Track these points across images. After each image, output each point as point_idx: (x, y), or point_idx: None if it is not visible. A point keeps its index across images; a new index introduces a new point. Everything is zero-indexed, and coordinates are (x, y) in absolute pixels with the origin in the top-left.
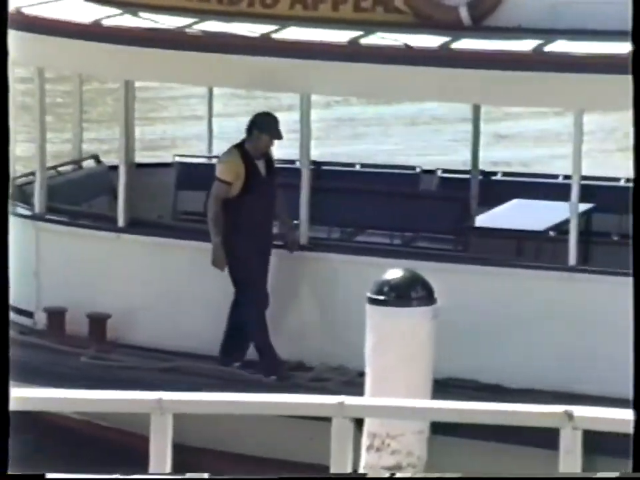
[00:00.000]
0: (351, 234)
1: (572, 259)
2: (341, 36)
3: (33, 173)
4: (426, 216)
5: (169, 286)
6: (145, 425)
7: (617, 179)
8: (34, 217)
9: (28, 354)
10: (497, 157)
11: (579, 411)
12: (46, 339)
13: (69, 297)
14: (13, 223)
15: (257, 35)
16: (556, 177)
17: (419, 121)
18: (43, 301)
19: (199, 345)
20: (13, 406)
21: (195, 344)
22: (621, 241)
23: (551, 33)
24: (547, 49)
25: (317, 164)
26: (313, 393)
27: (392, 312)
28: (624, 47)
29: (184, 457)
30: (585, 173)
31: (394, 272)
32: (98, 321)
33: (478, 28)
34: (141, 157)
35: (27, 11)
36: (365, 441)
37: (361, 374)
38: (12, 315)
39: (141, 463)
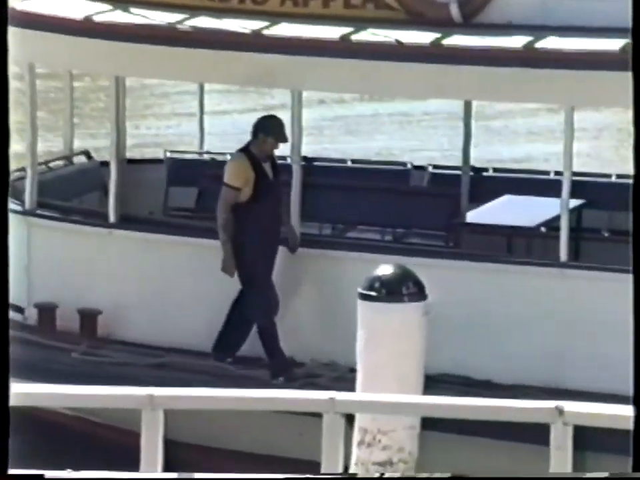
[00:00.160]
0: (342, 230)
1: (563, 255)
2: (331, 32)
3: (23, 169)
4: (417, 212)
5: (160, 282)
6: (136, 421)
7: (608, 175)
8: (25, 213)
9: (18, 350)
10: (492, 154)
11: (570, 406)
12: (37, 334)
13: (60, 293)
14: None
15: (247, 31)
16: (547, 173)
17: (413, 118)
18: (34, 297)
19: (190, 341)
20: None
21: (186, 340)
22: (611, 237)
23: (541, 30)
24: (538, 45)
25: (308, 160)
26: (304, 388)
27: (383, 308)
28: (614, 44)
29: (175, 453)
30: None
31: (385, 268)
32: (89, 317)
33: (469, 24)
34: (139, 155)
35: (17, 6)
36: (356, 437)
37: (352, 370)
38: None
39: (132, 459)
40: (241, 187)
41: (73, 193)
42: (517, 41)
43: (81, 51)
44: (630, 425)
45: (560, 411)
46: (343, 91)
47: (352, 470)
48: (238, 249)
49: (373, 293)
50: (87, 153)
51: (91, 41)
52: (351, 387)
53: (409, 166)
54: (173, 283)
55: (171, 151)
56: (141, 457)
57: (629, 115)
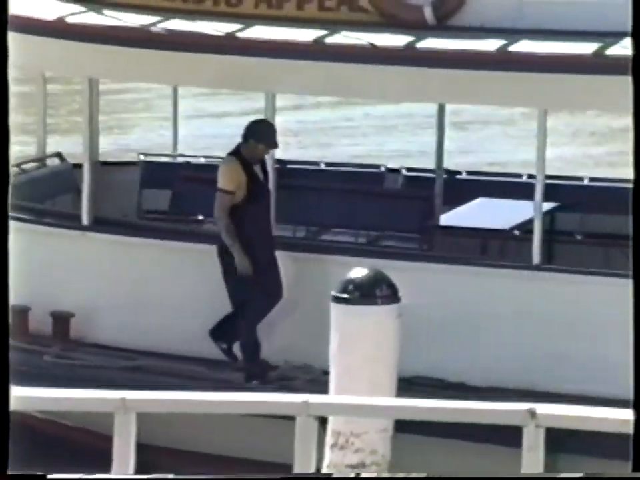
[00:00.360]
0: (316, 233)
1: (536, 258)
2: (305, 35)
3: None
4: (391, 215)
5: (134, 285)
6: (108, 424)
7: (581, 179)
8: None
9: None
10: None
11: (542, 408)
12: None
13: (33, 296)
14: None
15: (221, 33)
16: (520, 175)
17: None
18: None
19: (164, 344)
20: None
21: (159, 343)
22: (584, 240)
23: (515, 33)
24: (511, 48)
25: (281, 162)
26: (278, 391)
27: (356, 310)
28: (588, 47)
29: (148, 457)
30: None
31: (359, 271)
32: (62, 320)
33: (442, 27)
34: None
35: None
36: (329, 440)
37: (326, 372)
38: None
39: (105, 463)
40: (234, 190)
41: (46, 195)
42: (490, 44)
43: (53, 53)
44: (600, 427)
45: (532, 414)
46: (317, 94)
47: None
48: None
49: (346, 296)
50: (59, 155)
51: (64, 42)
52: (325, 390)
53: (382, 168)
54: (146, 286)
55: (145, 154)
56: (113, 460)
57: (603, 118)
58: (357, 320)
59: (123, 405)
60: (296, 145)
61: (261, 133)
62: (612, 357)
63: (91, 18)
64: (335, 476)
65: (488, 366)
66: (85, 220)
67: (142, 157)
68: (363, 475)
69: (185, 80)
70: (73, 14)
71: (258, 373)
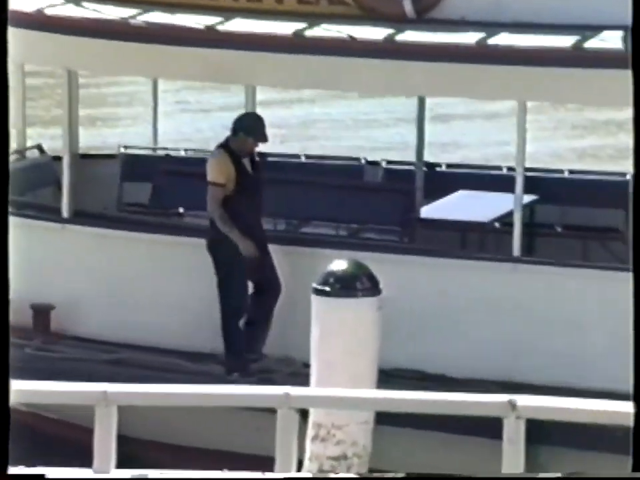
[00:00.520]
0: (297, 225)
1: (516, 250)
2: (285, 28)
3: None
4: (371, 207)
5: (114, 277)
6: (89, 417)
7: (561, 171)
8: None
9: None
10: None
11: (522, 400)
12: None
13: (13, 288)
14: None
15: (201, 26)
16: (500, 168)
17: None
18: None
19: (145, 337)
20: None
21: (140, 335)
22: (564, 232)
23: (494, 26)
24: (491, 41)
25: (261, 155)
26: (259, 384)
27: (337, 303)
28: (567, 40)
29: (129, 450)
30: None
31: (339, 263)
32: (42, 312)
33: (422, 20)
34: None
35: None
36: (310, 432)
37: (307, 365)
38: None
39: (86, 456)
40: (225, 182)
41: (26, 188)
42: (470, 37)
43: (32, 45)
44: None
45: (513, 405)
46: (297, 87)
47: (306, 465)
48: (222, 243)
49: (327, 288)
50: (39, 147)
51: (43, 34)
52: (306, 382)
53: (362, 161)
54: (126, 279)
55: (125, 147)
56: (94, 453)
57: (584, 112)
58: (338, 312)
59: (104, 398)
60: (280, 138)
61: (250, 126)
62: (592, 349)
63: (70, 10)
64: (331, 476)
65: (468, 358)
66: (65, 213)
67: (122, 150)
68: (360, 475)
69: (164, 73)
70: (52, 6)
71: (239, 366)
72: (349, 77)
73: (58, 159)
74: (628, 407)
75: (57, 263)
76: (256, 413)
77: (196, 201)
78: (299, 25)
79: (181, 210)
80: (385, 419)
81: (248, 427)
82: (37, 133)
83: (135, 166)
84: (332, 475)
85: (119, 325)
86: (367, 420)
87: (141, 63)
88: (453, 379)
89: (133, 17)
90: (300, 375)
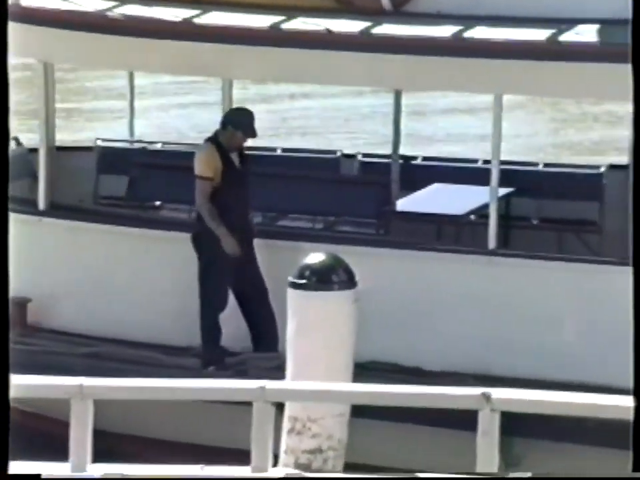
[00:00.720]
0: (273, 218)
1: (491, 243)
2: (262, 21)
3: None
4: (347, 200)
5: (90, 270)
6: (65, 410)
7: (536, 164)
8: None
9: None
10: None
11: (497, 393)
12: None
13: None
14: None
15: (178, 19)
16: (475, 161)
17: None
18: None
19: (122, 330)
20: None
21: (117, 329)
22: (540, 225)
23: (470, 19)
24: (467, 35)
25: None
26: (235, 377)
27: (313, 296)
28: (542, 34)
29: (105, 443)
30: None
31: (315, 256)
32: (18, 305)
33: (399, 13)
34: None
35: None
36: (285, 425)
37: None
38: None
39: (62, 449)
40: (213, 176)
41: None
42: (446, 31)
43: (8, 37)
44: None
45: (487, 398)
46: (274, 80)
47: (281, 458)
48: (209, 236)
49: (303, 281)
50: (16, 139)
51: (18, 25)
52: (282, 376)
53: (338, 154)
54: (103, 272)
55: (102, 139)
56: (70, 446)
57: (563, 104)
58: (314, 305)
59: (80, 392)
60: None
61: (239, 120)
62: (566, 342)
63: (46, 2)
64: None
65: (443, 350)
66: (42, 205)
67: (99, 143)
68: (355, 476)
69: (140, 65)
70: None
71: (215, 359)
72: (325, 70)
73: (34, 151)
74: (601, 399)
75: (33, 255)
76: (232, 406)
77: (172, 194)
78: (276, 18)
79: (157, 203)
80: (360, 411)
81: (224, 420)
82: (13, 126)
83: (112, 159)
84: (328, 475)
85: (95, 318)
86: (343, 413)
87: (117, 55)
88: (428, 372)
89: (110, 9)
90: (277, 369)
